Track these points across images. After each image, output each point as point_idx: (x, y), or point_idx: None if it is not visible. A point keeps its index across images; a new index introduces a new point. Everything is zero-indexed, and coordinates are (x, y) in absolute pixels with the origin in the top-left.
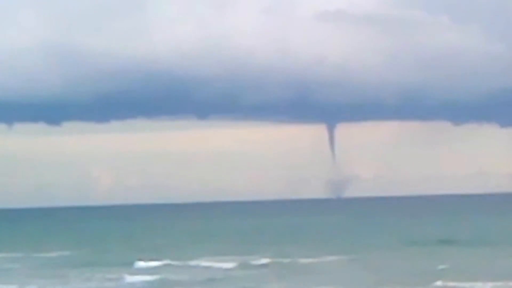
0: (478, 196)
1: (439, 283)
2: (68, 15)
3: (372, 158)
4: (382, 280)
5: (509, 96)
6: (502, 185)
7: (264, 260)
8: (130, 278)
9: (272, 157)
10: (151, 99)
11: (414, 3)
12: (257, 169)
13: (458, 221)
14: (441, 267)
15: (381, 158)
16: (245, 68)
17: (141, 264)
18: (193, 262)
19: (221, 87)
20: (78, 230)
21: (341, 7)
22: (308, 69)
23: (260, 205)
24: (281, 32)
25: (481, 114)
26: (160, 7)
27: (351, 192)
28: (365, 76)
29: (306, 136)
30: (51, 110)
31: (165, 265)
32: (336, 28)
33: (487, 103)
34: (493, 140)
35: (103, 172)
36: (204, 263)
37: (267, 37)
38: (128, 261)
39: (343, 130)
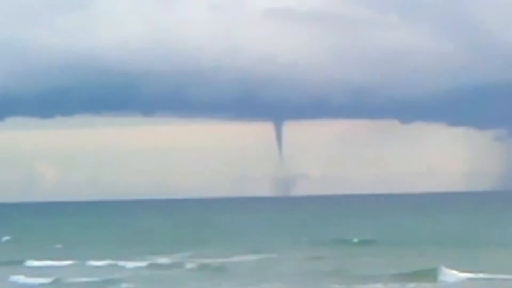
0: (426, 195)
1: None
2: (13, 10)
3: (320, 156)
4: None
5: (456, 95)
6: (451, 184)
7: (177, 260)
8: (15, 278)
9: (219, 154)
10: (97, 95)
11: (362, 1)
12: (204, 166)
13: (392, 221)
14: (328, 268)
15: (329, 157)
16: (192, 65)
17: (33, 263)
18: (99, 262)
19: (167, 83)
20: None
21: (289, 4)
22: (256, 67)
23: (205, 203)
24: (229, 29)
25: (429, 113)
26: (107, 2)
27: (298, 190)
28: (313, 74)
29: (253, 134)
30: None
31: (66, 265)
32: (284, 26)
33: (435, 102)
34: (441, 139)
35: (48, 168)
36: (111, 262)
37: (215, 34)
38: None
39: (291, 128)
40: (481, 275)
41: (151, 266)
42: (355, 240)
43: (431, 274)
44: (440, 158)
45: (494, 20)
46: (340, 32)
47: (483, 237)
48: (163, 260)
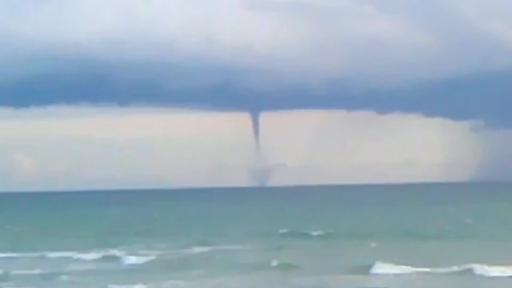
0: (403, 185)
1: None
2: None
3: (297, 147)
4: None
5: (433, 86)
6: (428, 174)
7: (132, 251)
8: None
9: (196, 145)
10: (72, 85)
11: None
12: (181, 157)
13: (361, 212)
14: (276, 262)
15: (307, 147)
16: (169, 55)
17: None
18: (55, 254)
19: (144, 74)
20: None
21: None
22: (233, 57)
23: (181, 193)
24: (206, 19)
25: (406, 104)
26: None
27: (276, 180)
28: (290, 65)
29: (230, 124)
30: None
31: (19, 257)
32: (262, 16)
33: (412, 93)
34: (418, 130)
35: (24, 158)
36: (67, 254)
37: (192, 25)
38: None
39: (268, 119)
40: (417, 269)
41: (105, 258)
42: (315, 233)
43: (365, 268)
44: (417, 149)
45: (471, 11)
46: (317, 22)
47: (446, 229)
48: (117, 252)
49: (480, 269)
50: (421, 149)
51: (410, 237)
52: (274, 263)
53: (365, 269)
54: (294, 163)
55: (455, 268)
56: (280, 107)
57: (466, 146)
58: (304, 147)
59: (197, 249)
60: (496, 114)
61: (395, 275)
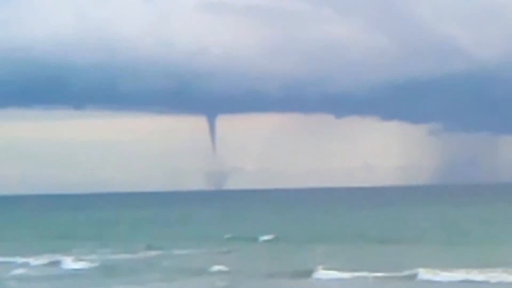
0: (361, 189)
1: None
2: None
3: (254, 150)
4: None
5: (391, 89)
6: (386, 178)
7: (76, 257)
8: None
9: (152, 148)
10: (25, 88)
11: None
12: (136, 160)
13: (313, 216)
14: (217, 267)
15: (264, 150)
16: (124, 58)
17: None
18: None
19: (99, 77)
20: None
21: None
22: (189, 60)
23: (137, 197)
24: (162, 21)
25: (363, 107)
26: None
27: (233, 184)
28: (247, 68)
29: (186, 127)
30: None
31: None
32: (218, 19)
33: (369, 97)
34: (376, 133)
35: None
36: (10, 259)
37: (148, 27)
38: None
39: (225, 122)
40: (360, 274)
41: (51, 263)
42: (262, 237)
43: (307, 272)
44: (374, 152)
45: (429, 15)
46: (275, 25)
47: (398, 233)
48: (63, 257)
49: (425, 274)
50: (378, 152)
51: (360, 241)
52: (215, 268)
53: (307, 274)
54: (251, 166)
55: (400, 273)
56: (237, 110)
57: (424, 150)
58: (261, 151)
59: (143, 254)
60: (453, 117)
61: (337, 280)
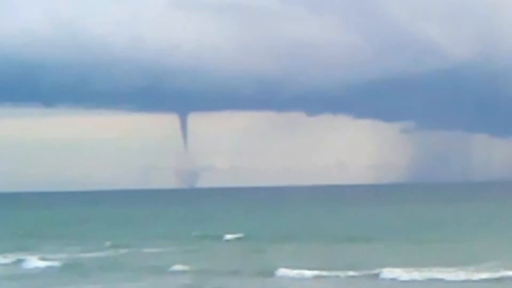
0: (334, 187)
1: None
2: None
3: (227, 148)
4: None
5: (364, 87)
6: (359, 176)
7: (40, 256)
8: None
9: (123, 146)
10: None
11: None
12: (107, 158)
13: (283, 214)
14: (180, 266)
15: (236, 148)
16: (96, 55)
17: None
18: None
19: (70, 74)
20: None
21: None
22: (161, 57)
23: (108, 195)
24: (133, 19)
25: (336, 105)
26: None
27: (205, 182)
28: (220, 66)
29: (158, 125)
30: None
31: None
32: (190, 16)
33: (342, 94)
34: (348, 131)
35: None
36: None
37: (119, 24)
38: None
39: (197, 120)
40: (322, 273)
41: (14, 262)
42: (228, 236)
43: (269, 272)
44: (347, 150)
45: (401, 13)
46: (248, 23)
47: (367, 231)
48: (26, 256)
49: (388, 273)
50: (351, 150)
51: (327, 240)
52: (178, 267)
53: (270, 273)
54: (223, 164)
55: (362, 272)
56: (208, 108)
57: (397, 148)
58: (233, 149)
59: (108, 253)
60: (426, 115)
61: (299, 279)
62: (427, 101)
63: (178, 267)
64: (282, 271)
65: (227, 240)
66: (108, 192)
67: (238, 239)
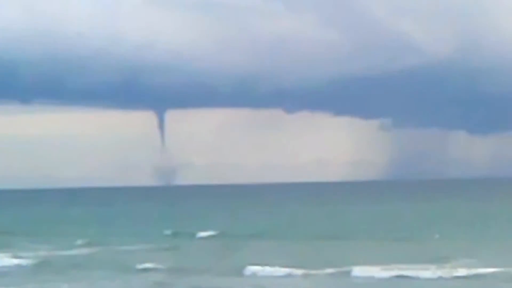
0: (313, 184)
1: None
2: None
3: (205, 146)
4: None
5: (342, 84)
6: (337, 173)
7: (11, 254)
8: None
9: (100, 143)
10: None
11: None
12: (84, 155)
13: (257, 212)
14: (150, 264)
15: (214, 146)
16: (72, 52)
17: None
18: None
19: (46, 71)
20: None
21: None
22: (138, 54)
23: (85, 192)
24: (110, 15)
25: (314, 103)
26: None
27: (183, 179)
28: (197, 63)
29: (135, 122)
30: None
31: None
32: (167, 13)
33: (320, 92)
34: (327, 128)
35: None
36: None
37: (96, 21)
38: None
39: (175, 117)
40: (292, 271)
41: None
42: (202, 234)
43: (238, 270)
44: (326, 148)
45: (380, 10)
46: (224, 20)
47: (342, 229)
48: None
49: (359, 270)
50: (329, 148)
51: (301, 237)
52: (148, 265)
53: (239, 271)
54: (201, 161)
55: (334, 270)
56: (186, 105)
57: (375, 145)
58: (211, 146)
59: (82, 251)
60: (404, 113)
61: (268, 276)
62: (405, 98)
63: (147, 265)
64: (252, 269)
65: (201, 238)
66: (85, 190)
67: (212, 236)
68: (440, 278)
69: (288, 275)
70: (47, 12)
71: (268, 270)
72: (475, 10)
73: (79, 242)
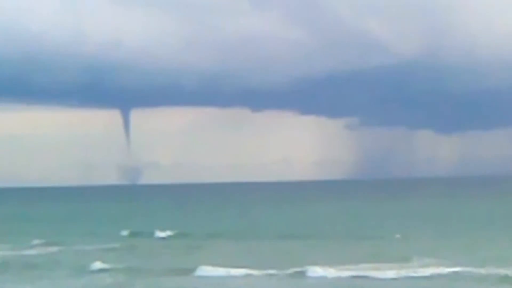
0: (279, 183)
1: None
2: None
3: (171, 145)
4: None
5: (308, 83)
6: (304, 172)
7: None
8: None
9: (65, 142)
10: None
11: None
12: (49, 155)
13: (224, 211)
14: (100, 265)
15: (180, 145)
16: (37, 51)
17: None
18: None
19: (10, 70)
20: None
21: None
22: (103, 53)
23: (47, 192)
24: (75, 14)
25: (280, 101)
26: None
27: (148, 178)
28: (162, 61)
29: (100, 121)
30: None
31: None
32: (133, 12)
33: (287, 91)
34: (293, 127)
35: None
36: None
37: (60, 20)
38: None
39: (140, 116)
40: (245, 271)
41: None
42: (159, 234)
43: (189, 270)
44: (292, 147)
45: (346, 9)
46: (190, 18)
47: (302, 229)
48: None
49: (314, 270)
50: (296, 147)
51: (260, 237)
52: (98, 265)
53: (190, 271)
54: (167, 161)
55: (289, 270)
56: (151, 104)
57: (341, 144)
58: (176, 145)
59: (37, 251)
60: (370, 112)
61: (219, 277)
62: (372, 97)
63: (103, 265)
64: (203, 270)
65: (158, 238)
66: (48, 189)
67: (170, 237)
68: (398, 278)
69: (240, 276)
70: (12, 11)
71: (220, 270)
72: (441, 11)
73: (36, 241)
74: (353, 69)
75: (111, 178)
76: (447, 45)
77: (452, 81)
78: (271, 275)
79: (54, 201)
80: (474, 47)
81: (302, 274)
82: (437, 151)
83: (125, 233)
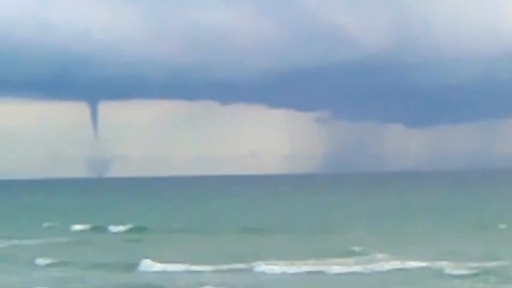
0: (248, 177)
1: None
2: None
3: (139, 138)
4: None
5: (278, 76)
6: (273, 166)
7: None
8: None
9: (31, 135)
10: None
11: None
12: (15, 147)
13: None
14: (47, 260)
15: (149, 138)
16: (3, 43)
17: None
18: None
19: None
20: None
21: None
22: (70, 44)
23: (11, 184)
24: (42, 5)
25: (250, 95)
26: None
27: (116, 171)
28: (131, 54)
29: (67, 114)
30: None
31: None
32: (101, 3)
33: (256, 84)
34: (262, 121)
35: None
36: None
37: (28, 10)
38: None
39: (108, 108)
40: (191, 267)
41: None
42: (115, 228)
43: (132, 265)
44: (261, 140)
45: (316, 2)
46: (159, 10)
47: (264, 223)
48: None
49: (262, 266)
50: (265, 140)
51: (216, 231)
52: (44, 261)
53: (133, 267)
54: (135, 154)
55: (237, 265)
56: (120, 97)
57: (311, 138)
58: (145, 138)
59: None
60: (340, 105)
61: (161, 272)
62: (342, 91)
63: (51, 260)
64: (146, 264)
65: (112, 233)
66: (13, 182)
67: (125, 231)
68: (353, 273)
69: (186, 272)
70: None
71: (161, 266)
72: (410, 4)
73: None
74: (323, 63)
75: (79, 171)
76: (416, 39)
77: (422, 75)
78: (216, 270)
79: (15, 195)
80: (443, 40)
81: (249, 269)
82: (407, 145)
83: (78, 227)
